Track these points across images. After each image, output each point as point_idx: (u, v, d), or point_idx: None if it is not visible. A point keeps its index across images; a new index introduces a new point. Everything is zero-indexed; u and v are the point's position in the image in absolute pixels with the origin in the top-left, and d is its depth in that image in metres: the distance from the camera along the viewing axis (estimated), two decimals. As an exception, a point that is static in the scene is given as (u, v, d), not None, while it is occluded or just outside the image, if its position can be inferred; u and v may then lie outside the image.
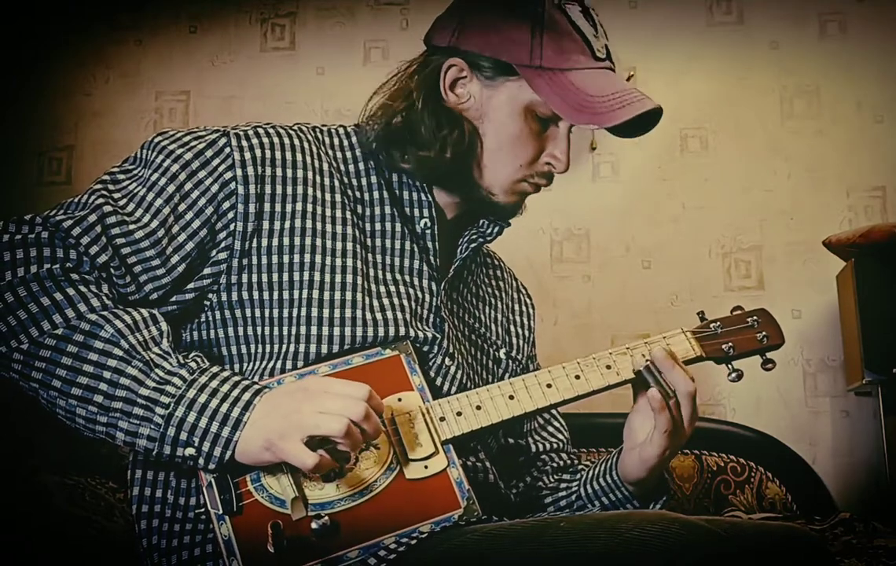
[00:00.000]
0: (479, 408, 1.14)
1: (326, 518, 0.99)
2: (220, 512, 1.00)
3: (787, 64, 2.90)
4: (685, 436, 1.21)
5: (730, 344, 1.28)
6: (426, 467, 1.07)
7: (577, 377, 1.19)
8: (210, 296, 1.16)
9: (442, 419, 1.12)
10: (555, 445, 1.43)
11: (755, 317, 1.31)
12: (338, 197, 1.21)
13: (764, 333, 1.29)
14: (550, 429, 1.45)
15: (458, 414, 1.13)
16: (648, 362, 1.19)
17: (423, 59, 1.27)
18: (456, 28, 1.24)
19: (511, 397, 1.16)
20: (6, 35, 3.01)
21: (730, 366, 1.27)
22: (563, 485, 1.37)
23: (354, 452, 1.04)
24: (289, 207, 1.16)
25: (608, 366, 1.21)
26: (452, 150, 1.21)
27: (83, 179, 2.95)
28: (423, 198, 1.26)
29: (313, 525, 0.98)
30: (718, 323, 1.29)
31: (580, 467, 1.41)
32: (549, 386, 1.18)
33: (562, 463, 1.42)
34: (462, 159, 1.22)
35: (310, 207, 1.17)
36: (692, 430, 1.22)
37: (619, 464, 1.28)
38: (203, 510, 1.02)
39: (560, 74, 1.18)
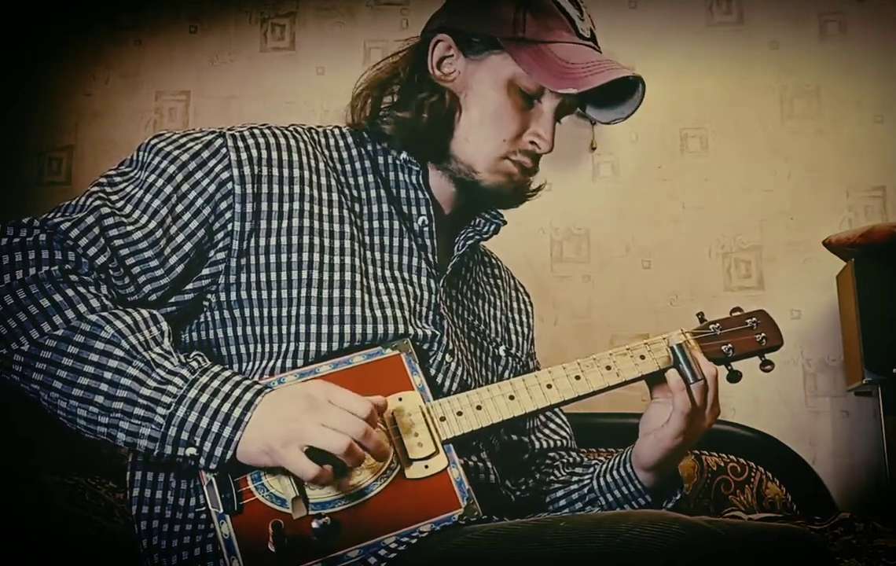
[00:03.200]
0: (479, 407, 1.14)
1: (327, 517, 0.99)
2: (221, 511, 1.00)
3: (787, 64, 2.90)
4: (704, 425, 1.21)
5: (729, 345, 1.28)
6: (426, 467, 1.07)
7: (578, 377, 1.20)
8: (209, 296, 1.16)
9: (442, 419, 1.12)
10: (560, 443, 1.43)
11: (754, 319, 1.31)
12: (335, 196, 1.21)
13: (763, 335, 1.30)
14: (552, 426, 1.45)
15: (459, 413, 1.13)
16: (683, 341, 1.21)
17: (413, 42, 1.30)
18: (446, 11, 1.28)
19: (511, 397, 1.16)
20: (6, 35, 3.01)
21: (729, 367, 1.27)
22: (575, 479, 1.37)
23: (354, 468, 1.03)
24: (286, 207, 1.16)
25: (608, 367, 1.21)
26: (429, 113, 1.22)
27: (83, 179, 2.95)
28: (420, 195, 1.26)
29: (314, 524, 0.98)
30: (718, 324, 1.30)
31: (593, 462, 1.41)
32: (549, 386, 1.18)
33: (572, 459, 1.42)
34: (441, 126, 1.23)
35: (307, 206, 1.17)
36: (712, 421, 1.22)
37: (633, 453, 1.28)
38: (204, 509, 1.02)
39: (542, 46, 1.20)
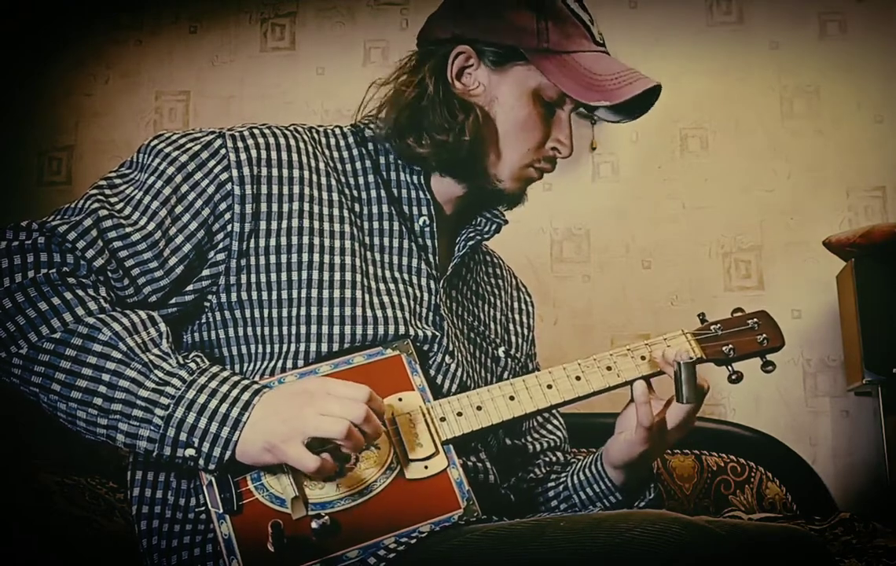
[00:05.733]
0: (479, 408, 1.14)
1: (326, 517, 0.99)
2: (221, 511, 1.00)
3: (787, 64, 2.90)
4: (677, 438, 1.23)
5: (730, 346, 1.28)
6: (426, 467, 1.07)
7: (578, 378, 1.20)
8: (209, 297, 1.16)
9: (442, 419, 1.12)
10: (552, 443, 1.43)
11: (755, 320, 1.31)
12: (335, 196, 1.21)
13: (764, 335, 1.29)
14: (549, 427, 1.45)
15: (459, 414, 1.13)
16: (693, 360, 1.20)
17: (426, 51, 1.27)
18: (456, 19, 1.25)
19: (511, 398, 1.16)
20: (6, 35, 3.01)
21: (730, 367, 1.27)
22: (552, 476, 1.39)
23: (355, 454, 1.04)
24: (286, 207, 1.16)
25: (609, 368, 1.21)
26: (471, 134, 1.21)
27: (83, 179, 2.95)
28: (422, 196, 1.26)
29: (313, 524, 0.98)
30: (719, 325, 1.30)
31: (572, 461, 1.42)
32: (549, 387, 1.18)
33: (555, 459, 1.43)
34: (477, 144, 1.23)
35: (307, 207, 1.17)
36: (685, 434, 1.24)
37: (604, 452, 1.29)
38: (203, 509, 1.02)
39: (567, 57, 1.21)
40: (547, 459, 1.42)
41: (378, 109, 1.26)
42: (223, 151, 1.14)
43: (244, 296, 1.15)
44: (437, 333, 1.22)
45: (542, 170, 1.28)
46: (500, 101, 1.23)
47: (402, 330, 1.17)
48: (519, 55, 1.21)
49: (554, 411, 1.47)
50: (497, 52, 1.22)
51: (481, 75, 1.24)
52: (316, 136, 1.26)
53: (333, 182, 1.22)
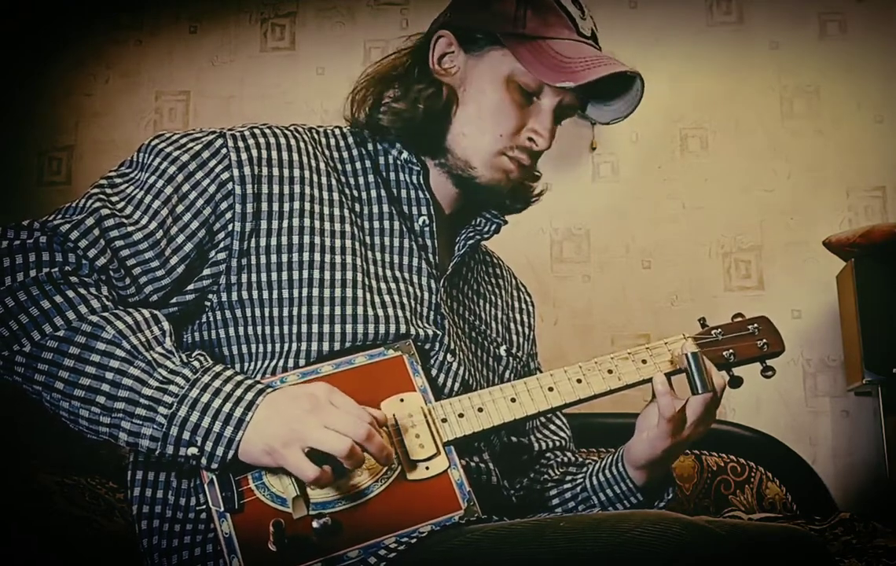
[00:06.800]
0: (480, 410, 1.14)
1: (327, 517, 0.99)
2: (222, 509, 1.00)
3: (787, 64, 2.91)
4: (699, 431, 1.22)
5: (730, 350, 1.28)
6: (427, 468, 1.07)
7: (579, 381, 1.20)
8: (210, 296, 1.16)
9: (444, 420, 1.12)
10: (558, 443, 1.43)
11: (756, 325, 1.31)
12: (335, 195, 1.21)
13: (764, 341, 1.30)
14: (552, 427, 1.45)
15: (460, 416, 1.13)
16: (698, 350, 1.19)
17: (417, 39, 1.30)
18: (448, 9, 1.29)
19: (513, 400, 1.16)
20: (6, 35, 3.01)
21: (730, 372, 1.28)
22: (568, 478, 1.38)
23: (355, 470, 1.03)
24: (286, 207, 1.16)
25: (610, 371, 1.21)
26: (425, 105, 1.22)
27: (83, 179, 2.95)
28: (421, 195, 1.26)
29: (314, 524, 0.98)
30: (719, 329, 1.30)
31: (587, 461, 1.41)
32: (550, 389, 1.18)
33: (566, 458, 1.43)
34: (437, 119, 1.24)
35: (307, 206, 1.17)
36: (707, 429, 1.23)
37: (625, 450, 1.28)
38: (204, 508, 1.02)
39: (542, 42, 1.20)
40: (558, 459, 1.42)
41: (361, 89, 1.28)
42: (224, 151, 1.15)
43: (245, 295, 1.15)
44: (439, 332, 1.22)
45: (517, 160, 1.25)
46: (472, 83, 1.24)
47: (403, 329, 1.17)
48: (496, 40, 1.22)
49: (557, 412, 1.47)
50: (477, 37, 1.23)
51: (459, 60, 1.25)
52: (316, 136, 1.26)
53: (334, 182, 1.22)
